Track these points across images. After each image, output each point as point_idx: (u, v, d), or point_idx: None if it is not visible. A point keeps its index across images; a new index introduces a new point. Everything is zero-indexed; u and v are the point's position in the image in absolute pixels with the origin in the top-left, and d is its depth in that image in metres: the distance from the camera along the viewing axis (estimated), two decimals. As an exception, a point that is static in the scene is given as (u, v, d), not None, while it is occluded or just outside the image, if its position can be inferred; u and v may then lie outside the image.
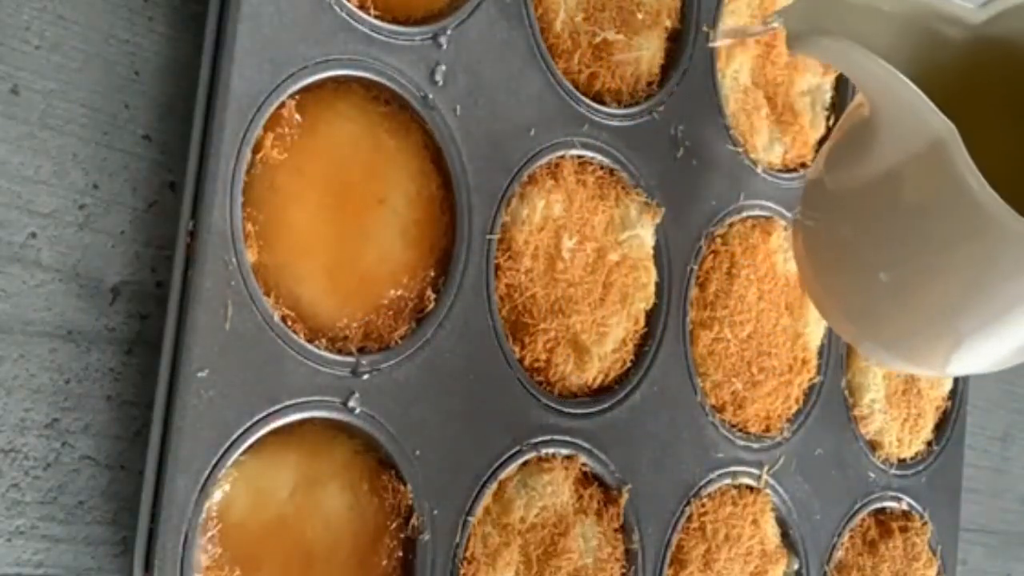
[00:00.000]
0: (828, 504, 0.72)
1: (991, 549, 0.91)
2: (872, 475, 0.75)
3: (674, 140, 0.65)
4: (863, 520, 0.75)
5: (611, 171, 0.62)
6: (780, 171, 0.71)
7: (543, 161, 0.59)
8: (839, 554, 0.73)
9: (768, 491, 0.68)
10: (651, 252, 0.63)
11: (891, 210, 0.49)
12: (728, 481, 0.66)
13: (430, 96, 0.55)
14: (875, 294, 0.52)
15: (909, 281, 0.51)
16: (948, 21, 0.47)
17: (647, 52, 0.64)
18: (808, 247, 0.58)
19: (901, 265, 0.50)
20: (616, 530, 0.61)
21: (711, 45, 0.64)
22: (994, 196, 0.42)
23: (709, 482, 0.65)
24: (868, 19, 0.48)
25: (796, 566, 0.70)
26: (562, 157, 0.60)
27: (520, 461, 0.57)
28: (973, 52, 0.48)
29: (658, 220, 0.63)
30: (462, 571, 0.55)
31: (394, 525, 0.53)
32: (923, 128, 0.44)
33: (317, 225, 0.52)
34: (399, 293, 0.54)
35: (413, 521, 0.53)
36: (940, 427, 0.80)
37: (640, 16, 0.63)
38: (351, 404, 0.51)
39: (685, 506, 0.64)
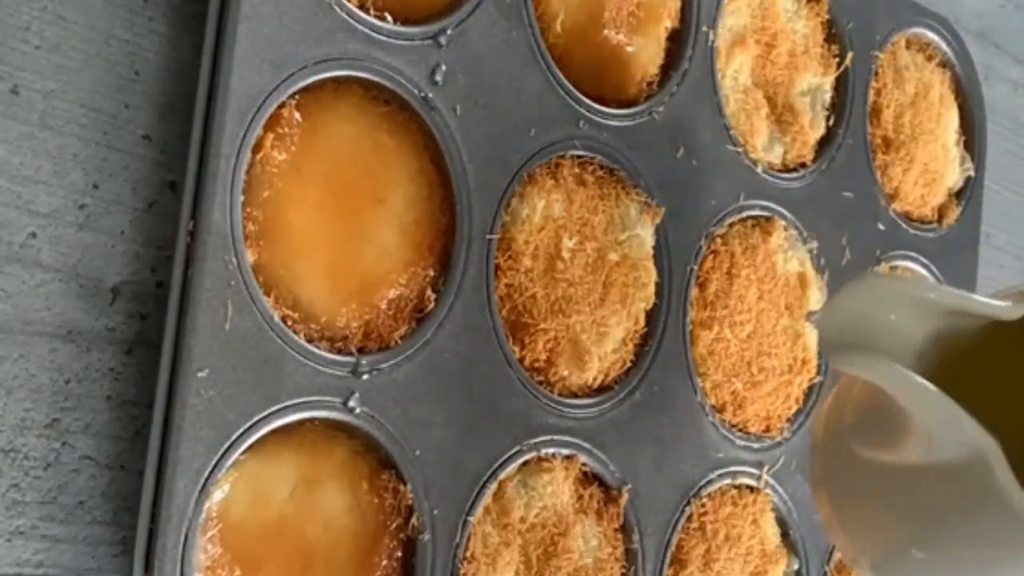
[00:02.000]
0: (828, 504, 0.71)
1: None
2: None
3: (674, 140, 0.65)
4: (863, 520, 0.75)
5: (611, 171, 0.62)
6: (780, 171, 0.71)
7: (543, 161, 0.59)
8: (839, 554, 0.72)
9: (768, 491, 0.68)
10: (651, 252, 0.63)
11: (928, 501, 0.50)
12: (728, 481, 0.66)
13: (430, 96, 0.55)
14: (908, 565, 0.53)
15: (944, 565, 0.51)
16: (982, 317, 0.47)
17: (647, 52, 0.64)
18: (835, 508, 0.58)
19: (937, 549, 0.51)
20: (616, 530, 0.61)
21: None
22: None
23: (709, 482, 0.65)
24: (901, 318, 0.48)
25: (796, 566, 0.70)
26: (562, 157, 0.60)
27: (520, 461, 0.57)
28: (1008, 336, 0.48)
29: (658, 220, 0.63)
30: (462, 571, 0.55)
31: (394, 525, 0.53)
32: (963, 439, 0.44)
33: (317, 225, 0.52)
34: (399, 293, 0.54)
35: (413, 521, 0.53)
36: (940, 427, 0.80)
37: (640, 16, 0.63)
38: (351, 404, 0.51)
39: (685, 506, 0.64)
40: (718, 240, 0.67)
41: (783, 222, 0.70)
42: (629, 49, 0.63)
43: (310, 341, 0.51)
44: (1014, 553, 0.47)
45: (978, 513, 0.46)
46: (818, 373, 0.71)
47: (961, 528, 0.48)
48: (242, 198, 0.49)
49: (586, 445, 0.60)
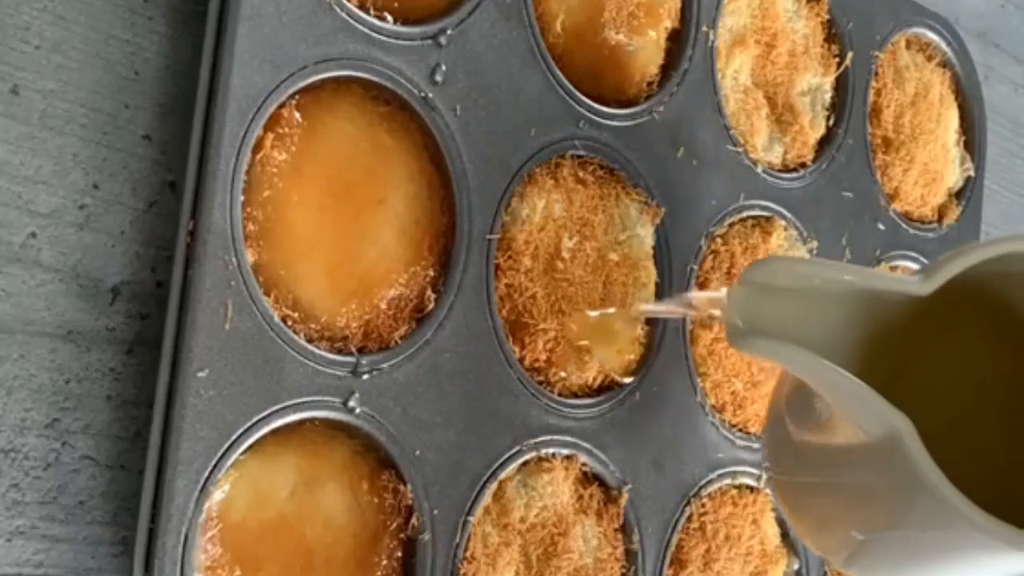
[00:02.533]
0: (828, 504, 0.71)
1: (991, 549, 0.91)
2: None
3: (674, 140, 0.65)
4: (863, 520, 0.75)
5: (611, 171, 0.62)
6: (780, 171, 0.71)
7: (543, 161, 0.59)
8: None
9: (768, 491, 0.68)
10: (651, 252, 0.63)
11: (859, 482, 0.49)
12: (728, 481, 0.66)
13: (430, 96, 0.55)
14: (853, 549, 0.52)
15: (881, 546, 0.51)
16: (892, 295, 0.46)
17: (647, 52, 0.64)
18: (785, 501, 0.59)
19: (873, 532, 0.51)
20: (616, 530, 0.61)
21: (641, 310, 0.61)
22: (953, 491, 0.42)
23: (709, 482, 0.65)
24: (810, 300, 0.47)
25: (796, 566, 0.70)
26: (562, 157, 0.60)
27: (520, 461, 0.57)
28: (928, 311, 0.47)
29: (658, 220, 0.63)
30: (462, 571, 0.55)
31: (394, 525, 0.53)
32: (877, 420, 0.44)
33: (317, 225, 0.52)
34: (399, 293, 0.54)
35: (413, 521, 0.53)
36: (940, 427, 0.80)
37: (640, 16, 0.63)
38: (351, 404, 0.51)
39: (685, 506, 0.64)
40: (718, 240, 0.67)
41: (783, 222, 0.70)
42: (629, 49, 0.63)
43: (310, 341, 0.51)
44: (943, 536, 0.46)
45: (903, 493, 0.45)
46: (818, 373, 0.71)
47: (891, 509, 0.48)
48: (242, 198, 0.49)
49: (586, 445, 0.60)
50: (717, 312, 0.51)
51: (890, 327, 0.48)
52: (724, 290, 0.48)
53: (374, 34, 0.53)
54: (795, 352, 0.45)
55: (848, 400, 0.46)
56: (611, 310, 0.59)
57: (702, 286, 0.66)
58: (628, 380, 0.61)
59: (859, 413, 0.45)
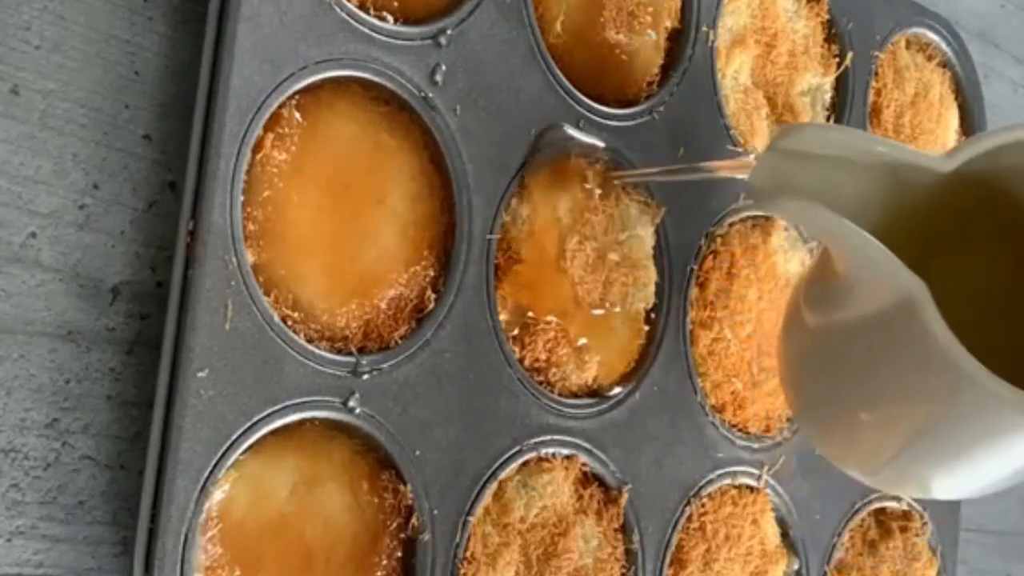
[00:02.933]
0: (828, 504, 0.71)
1: (991, 549, 0.91)
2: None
3: (674, 140, 0.65)
4: (863, 520, 0.75)
5: (611, 171, 0.62)
6: (780, 171, 0.71)
7: (543, 161, 0.59)
8: (839, 554, 0.72)
9: (768, 491, 0.68)
10: (651, 252, 0.63)
11: (868, 358, 0.49)
12: (728, 481, 0.66)
13: (430, 96, 0.55)
14: (857, 429, 0.52)
15: (888, 424, 0.51)
16: (918, 170, 0.46)
17: (647, 52, 0.64)
18: (796, 393, 0.58)
19: (879, 409, 0.50)
20: (616, 530, 0.61)
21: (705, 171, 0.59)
22: (965, 354, 0.42)
23: (709, 482, 0.65)
24: (837, 169, 0.47)
25: (796, 566, 0.70)
26: (562, 157, 0.60)
27: (520, 461, 0.57)
28: (948, 193, 0.47)
29: (658, 220, 0.63)
30: (462, 571, 0.55)
31: (394, 525, 0.53)
32: (894, 284, 0.44)
33: (317, 225, 0.52)
34: (399, 293, 0.54)
35: (413, 521, 0.53)
36: (940, 427, 0.80)
37: (640, 16, 0.63)
38: (351, 404, 0.51)
39: (685, 506, 0.64)
40: (718, 240, 0.67)
41: (783, 222, 0.70)
42: (629, 49, 0.63)
43: (310, 341, 0.51)
44: (950, 409, 0.45)
45: (913, 363, 0.45)
46: (818, 373, 0.71)
47: (898, 382, 0.47)
48: (242, 198, 0.49)
49: (586, 445, 0.60)
50: (741, 175, 0.51)
51: (912, 214, 0.48)
52: (752, 155, 0.48)
53: (374, 34, 0.53)
54: (820, 212, 0.45)
55: (868, 264, 0.45)
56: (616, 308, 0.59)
57: (702, 286, 0.66)
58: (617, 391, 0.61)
59: (878, 277, 0.45)
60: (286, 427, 0.50)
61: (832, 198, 0.46)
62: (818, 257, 0.55)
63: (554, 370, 0.59)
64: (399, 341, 0.54)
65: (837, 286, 0.49)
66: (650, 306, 0.63)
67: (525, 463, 0.58)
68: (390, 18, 0.54)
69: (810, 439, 0.59)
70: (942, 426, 0.47)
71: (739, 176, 0.51)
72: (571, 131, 0.59)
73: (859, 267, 0.47)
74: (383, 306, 0.53)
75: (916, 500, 0.77)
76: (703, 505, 0.65)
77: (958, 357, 0.42)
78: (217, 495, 0.48)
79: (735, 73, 0.69)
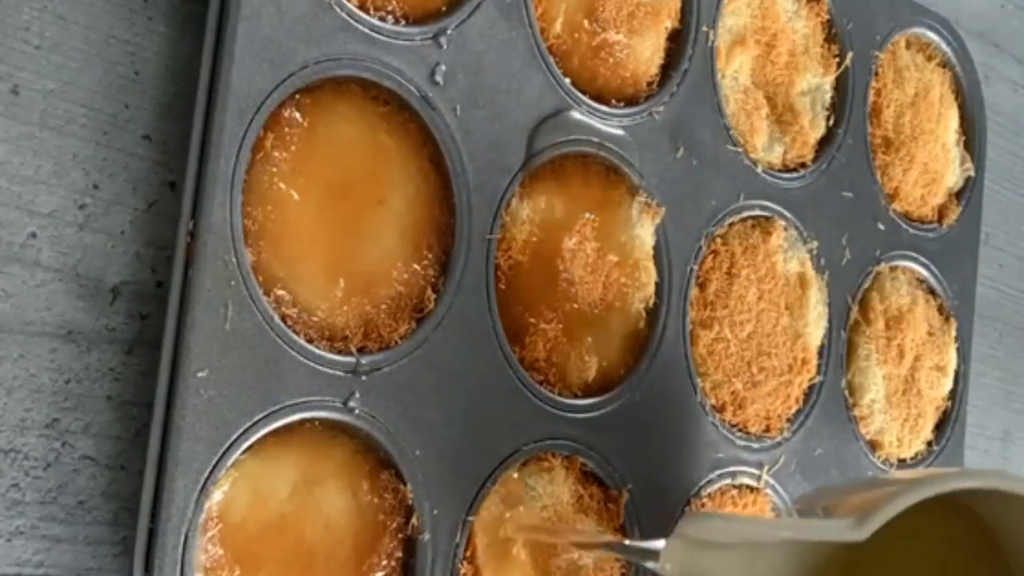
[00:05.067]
0: (828, 504, 0.71)
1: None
2: (872, 475, 0.74)
3: (674, 140, 0.65)
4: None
5: (611, 171, 0.62)
6: (780, 171, 0.71)
7: (543, 161, 0.59)
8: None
9: (768, 491, 0.68)
10: (651, 252, 0.63)
11: None
12: (728, 481, 0.66)
13: (430, 96, 0.55)
14: None
15: None
16: (829, 543, 0.45)
17: (647, 52, 0.64)
18: None
19: None
20: (616, 530, 0.61)
21: None
22: None
23: (709, 482, 0.65)
24: (747, 552, 0.46)
25: (796, 566, 0.70)
26: (562, 157, 0.60)
27: (520, 461, 0.57)
28: (867, 552, 0.45)
29: (658, 220, 0.63)
30: (462, 571, 0.55)
31: (394, 525, 0.53)
32: None
33: (317, 225, 0.52)
34: (399, 293, 0.54)
35: (413, 521, 0.53)
36: (940, 427, 0.80)
37: (640, 16, 0.63)
38: (351, 404, 0.51)
39: (685, 506, 0.64)
40: (718, 240, 0.67)
41: (783, 222, 0.70)
42: (629, 49, 0.63)
43: (310, 341, 0.51)
44: None
45: None
46: (818, 373, 0.71)
47: None
48: (242, 198, 0.49)
49: (586, 445, 0.60)
50: (650, 564, 0.50)
51: (835, 566, 0.48)
52: (661, 541, 0.48)
53: (374, 34, 0.53)
54: None
55: None
56: None
57: (702, 286, 0.66)
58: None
59: None
60: (286, 427, 0.50)
61: None
62: None
63: (554, 370, 0.59)
64: (399, 341, 0.53)
65: None
66: (650, 306, 0.63)
67: (525, 463, 0.58)
68: (390, 18, 0.54)
69: None
70: None
71: (648, 564, 0.50)
72: (577, 115, 0.60)
73: None
74: (383, 306, 0.53)
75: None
76: (703, 505, 0.65)
77: None
78: (217, 495, 0.48)
79: (735, 73, 0.69)
